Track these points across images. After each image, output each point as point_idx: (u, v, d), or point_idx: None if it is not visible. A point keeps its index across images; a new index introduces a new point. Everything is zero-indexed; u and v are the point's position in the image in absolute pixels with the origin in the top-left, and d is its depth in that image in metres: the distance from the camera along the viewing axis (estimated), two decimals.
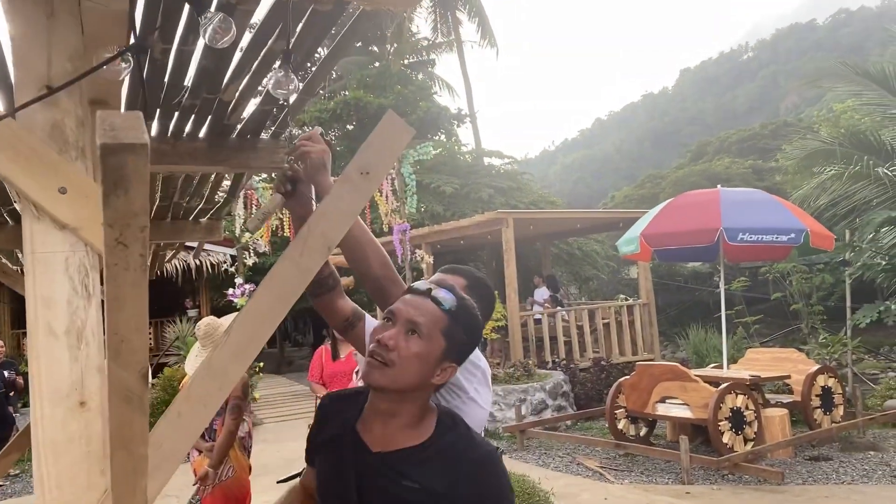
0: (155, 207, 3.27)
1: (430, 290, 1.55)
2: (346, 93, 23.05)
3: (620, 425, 8.35)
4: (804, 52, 79.62)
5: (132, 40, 1.58)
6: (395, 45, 26.02)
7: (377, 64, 26.05)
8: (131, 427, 0.89)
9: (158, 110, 2.18)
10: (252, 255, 11.99)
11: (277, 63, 1.60)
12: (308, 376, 6.88)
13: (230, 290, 11.56)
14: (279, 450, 9.78)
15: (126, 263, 0.76)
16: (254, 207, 11.14)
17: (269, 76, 1.54)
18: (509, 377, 10.26)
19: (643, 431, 8.50)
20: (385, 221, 11.58)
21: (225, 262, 14.97)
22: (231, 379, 1.26)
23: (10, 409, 9.00)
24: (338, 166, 23.39)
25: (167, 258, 4.66)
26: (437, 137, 23.34)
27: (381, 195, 11.35)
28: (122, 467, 0.93)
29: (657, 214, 8.66)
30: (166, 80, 1.97)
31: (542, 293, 14.09)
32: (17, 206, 1.15)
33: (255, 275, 15.62)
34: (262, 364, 13.04)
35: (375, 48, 28.26)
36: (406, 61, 27.93)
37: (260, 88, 2.15)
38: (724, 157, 32.05)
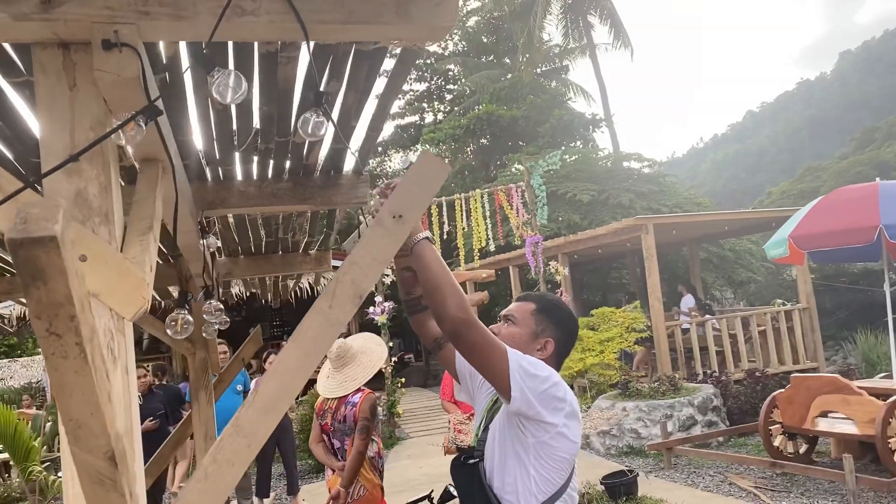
0: (263, 244, 3.41)
1: None
2: (480, 107, 23.21)
3: (776, 442, 7.72)
4: None
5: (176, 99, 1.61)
6: (527, 55, 25.92)
7: (509, 76, 26.06)
8: None
9: (237, 155, 2.25)
10: (391, 272, 12.29)
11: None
12: (440, 395, 6.90)
13: (370, 308, 11.89)
14: (421, 465, 9.90)
15: (63, 352, 0.75)
16: None
17: (300, 119, 1.52)
18: (654, 392, 9.79)
19: (803, 448, 7.81)
20: (517, 234, 11.47)
21: None
22: (260, 436, 1.24)
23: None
24: (473, 178, 23.37)
25: (290, 287, 4.87)
26: (573, 145, 22.95)
27: (511, 208, 11.27)
28: None
29: (806, 214, 7.97)
30: (234, 127, 2.02)
31: (687, 301, 13.42)
32: None
33: (397, 291, 15.98)
34: (403, 380, 13.30)
35: (507, 60, 28.31)
36: (539, 70, 27.75)
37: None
38: (895, 143, 29.17)
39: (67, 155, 1.19)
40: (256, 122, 2.02)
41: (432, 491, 5.33)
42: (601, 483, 6.26)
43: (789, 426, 7.57)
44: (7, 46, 1.39)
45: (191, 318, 1.60)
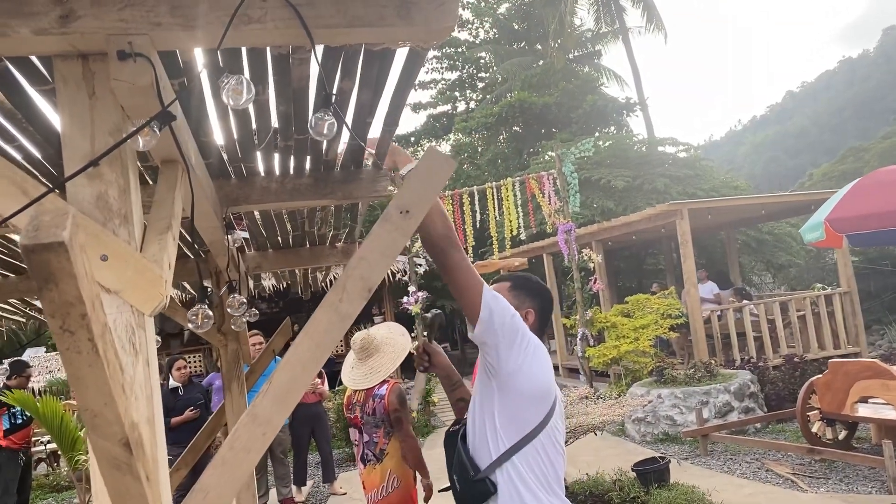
0: (290, 237, 3.49)
1: None
2: (512, 95, 23.10)
3: (815, 428, 7.63)
4: None
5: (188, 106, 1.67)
6: (559, 40, 25.69)
7: (541, 62, 25.86)
8: (128, 490, 0.95)
9: (259, 153, 2.31)
10: (425, 263, 12.36)
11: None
12: (472, 383, 6.94)
13: (404, 298, 11.98)
14: None
15: (77, 348, 0.81)
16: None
17: (311, 119, 1.58)
18: (689, 378, 9.72)
19: (842, 435, 7.70)
20: (549, 222, 11.45)
21: (404, 271, 15.57)
22: (274, 425, 1.30)
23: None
24: (506, 167, 23.24)
25: (320, 280, 4.96)
26: (607, 130, 22.73)
27: (543, 196, 11.25)
28: None
29: (844, 197, 7.81)
30: (254, 127, 2.08)
31: (708, 289, 13.21)
32: None
33: (432, 281, 16.05)
34: None
35: (539, 46, 28.09)
36: (571, 55, 27.49)
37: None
38: None
39: (88, 160, 1.26)
40: (275, 121, 2.09)
41: None
42: (633, 469, 6.27)
43: (828, 412, 7.47)
44: (33, 57, 1.46)
45: (210, 312, 1.68)
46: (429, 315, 2.77)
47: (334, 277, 11.46)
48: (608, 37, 28.06)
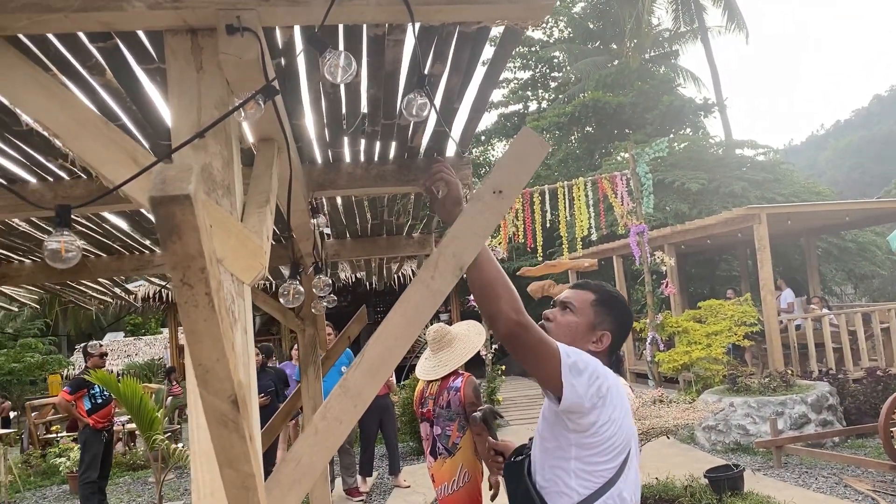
0: (369, 226, 3.54)
1: None
2: (585, 94, 22.82)
3: None
4: None
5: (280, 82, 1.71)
6: (635, 40, 25.24)
7: (616, 62, 25.47)
8: (233, 448, 0.97)
9: (346, 139, 2.35)
10: None
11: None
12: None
13: (471, 296, 11.99)
14: None
15: (195, 301, 0.83)
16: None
17: (404, 100, 1.59)
18: (764, 388, 9.42)
19: None
20: (621, 223, 11.26)
21: None
22: (365, 397, 1.32)
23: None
24: (577, 167, 22.96)
25: (394, 270, 5.03)
26: (683, 131, 22.22)
27: (615, 197, 11.07)
28: (232, 483, 1.01)
29: None
30: (343, 111, 2.11)
31: (787, 297, 12.77)
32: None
33: None
34: (503, 367, 13.35)
35: (614, 45, 27.67)
36: (647, 55, 26.98)
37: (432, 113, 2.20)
38: None
39: (195, 132, 1.30)
40: (364, 106, 2.11)
41: None
42: (705, 476, 6.11)
43: None
44: (141, 35, 1.52)
45: (301, 289, 1.72)
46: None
47: (413, 273, 11.58)
48: (686, 36, 27.40)
